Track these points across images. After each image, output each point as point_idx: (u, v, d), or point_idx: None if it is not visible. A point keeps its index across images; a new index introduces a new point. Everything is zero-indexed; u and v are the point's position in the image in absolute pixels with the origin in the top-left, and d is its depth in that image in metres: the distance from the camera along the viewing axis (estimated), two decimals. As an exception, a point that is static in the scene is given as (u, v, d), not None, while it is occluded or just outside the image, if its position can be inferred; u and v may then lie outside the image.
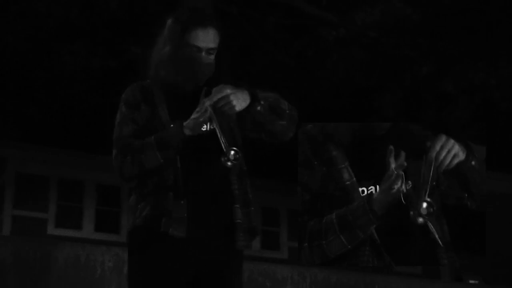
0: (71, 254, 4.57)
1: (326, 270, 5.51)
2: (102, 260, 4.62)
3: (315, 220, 2.08)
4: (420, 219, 1.90)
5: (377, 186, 2.06)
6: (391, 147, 1.97)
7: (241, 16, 11.32)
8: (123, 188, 15.12)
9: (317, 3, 11.36)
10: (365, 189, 2.09)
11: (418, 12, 10.56)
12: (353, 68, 11.38)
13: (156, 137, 2.36)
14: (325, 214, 2.05)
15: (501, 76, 10.84)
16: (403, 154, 1.99)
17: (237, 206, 2.47)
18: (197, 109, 2.34)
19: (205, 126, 2.36)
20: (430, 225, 1.97)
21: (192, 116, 2.34)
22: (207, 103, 2.32)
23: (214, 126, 2.35)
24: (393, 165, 1.96)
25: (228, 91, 2.32)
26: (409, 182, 2.03)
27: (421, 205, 1.90)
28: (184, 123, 2.34)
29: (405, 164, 1.96)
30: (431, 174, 1.96)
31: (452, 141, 2.10)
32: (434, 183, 2.00)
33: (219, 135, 2.32)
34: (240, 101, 2.34)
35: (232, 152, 2.29)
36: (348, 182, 2.03)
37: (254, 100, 2.39)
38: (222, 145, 2.31)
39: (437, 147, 2.04)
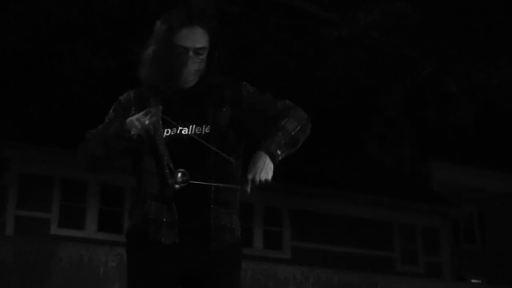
0: (74, 254, 4.58)
1: (329, 270, 5.51)
2: (105, 260, 4.64)
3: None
4: (177, 186, 2.35)
5: (178, 128, 2.44)
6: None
7: (241, 16, 11.32)
8: (126, 188, 15.14)
9: (319, 3, 11.36)
10: (169, 129, 2.44)
11: (419, 12, 10.55)
12: (354, 68, 11.38)
13: (100, 128, 2.53)
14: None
15: (501, 76, 10.84)
16: None
17: (217, 207, 2.46)
18: (143, 113, 2.38)
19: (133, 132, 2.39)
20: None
21: (135, 117, 2.39)
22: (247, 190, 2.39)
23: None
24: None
25: (257, 168, 2.38)
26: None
27: (177, 175, 2.34)
28: (127, 120, 2.39)
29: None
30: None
31: (260, 171, 2.38)
32: (227, 127, 2.48)
33: (164, 161, 2.39)
34: (269, 172, 2.43)
35: (179, 175, 2.36)
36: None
37: (275, 160, 2.44)
38: (167, 168, 2.38)
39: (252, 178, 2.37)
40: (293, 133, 2.47)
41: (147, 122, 2.35)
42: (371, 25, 10.67)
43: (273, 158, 2.40)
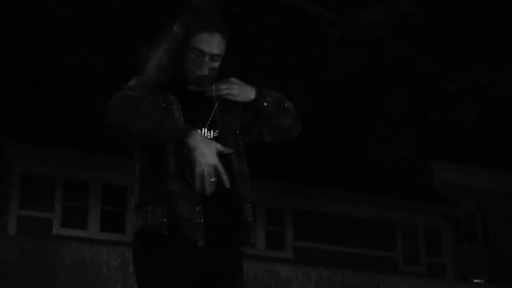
0: (76, 254, 4.59)
1: (331, 270, 5.51)
2: (108, 260, 4.64)
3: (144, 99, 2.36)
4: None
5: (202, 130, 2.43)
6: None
7: (243, 16, 11.32)
8: (129, 188, 15.15)
9: (320, 3, 11.36)
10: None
11: (421, 12, 10.55)
12: (355, 68, 11.38)
13: (164, 115, 2.33)
14: None
15: (501, 76, 10.84)
16: None
17: (248, 205, 2.51)
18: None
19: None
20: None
21: (205, 141, 2.31)
22: (213, 87, 2.38)
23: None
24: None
25: (234, 80, 2.39)
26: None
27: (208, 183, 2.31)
28: (194, 131, 2.31)
29: None
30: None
31: (234, 84, 2.40)
32: (238, 131, 2.51)
33: (187, 161, 2.34)
34: (243, 93, 2.40)
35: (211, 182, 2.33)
36: (180, 119, 2.41)
37: (260, 95, 2.43)
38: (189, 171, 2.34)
39: (219, 86, 2.40)
40: (284, 97, 2.55)
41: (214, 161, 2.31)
42: (372, 25, 10.67)
43: (259, 91, 2.45)
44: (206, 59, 2.45)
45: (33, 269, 4.45)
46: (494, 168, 21.76)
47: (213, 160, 2.28)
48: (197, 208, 2.36)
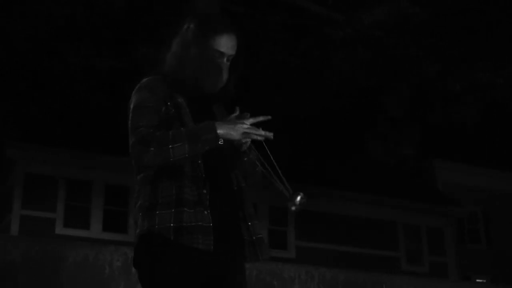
0: (79, 254, 4.59)
1: (334, 269, 5.51)
2: (111, 260, 4.64)
3: (161, 131, 2.35)
4: (293, 208, 2.39)
5: None
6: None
7: (244, 15, 11.31)
8: (131, 188, 15.16)
9: (322, 3, 11.35)
10: None
11: (424, 12, 10.54)
12: (357, 68, 11.37)
13: (187, 130, 2.33)
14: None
15: (502, 75, 10.83)
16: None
17: (256, 222, 2.53)
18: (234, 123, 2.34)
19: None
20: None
21: (229, 123, 2.34)
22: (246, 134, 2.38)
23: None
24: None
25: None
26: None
27: (297, 197, 2.42)
28: (216, 123, 2.33)
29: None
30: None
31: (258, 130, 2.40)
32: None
33: (200, 165, 2.37)
34: (231, 131, 2.40)
35: (299, 198, 2.39)
36: (190, 124, 2.40)
37: (249, 149, 2.48)
38: (284, 190, 2.41)
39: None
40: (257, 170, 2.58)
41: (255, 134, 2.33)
42: (374, 25, 10.66)
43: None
44: (225, 60, 2.49)
45: (36, 269, 4.46)
46: (497, 168, 21.75)
47: (241, 133, 2.34)
48: (206, 212, 2.35)
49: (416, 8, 10.37)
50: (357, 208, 18.02)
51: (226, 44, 2.47)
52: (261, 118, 2.38)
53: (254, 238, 2.50)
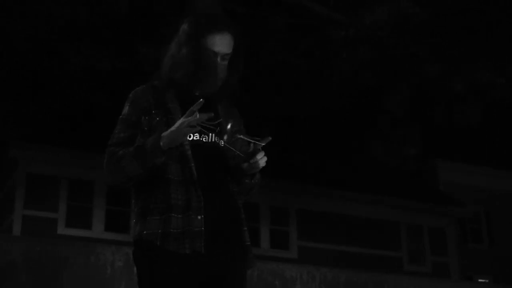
0: (81, 254, 4.60)
1: (336, 269, 5.51)
2: (112, 260, 4.65)
3: (123, 150, 2.39)
4: (222, 143, 2.38)
5: (200, 135, 2.45)
6: (201, 100, 2.30)
7: (247, 15, 11.32)
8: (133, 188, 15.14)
9: (325, 2, 11.34)
10: (191, 135, 2.41)
11: (424, 12, 10.54)
12: (360, 67, 11.36)
13: (136, 147, 2.35)
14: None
15: (505, 75, 10.82)
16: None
17: (245, 229, 2.51)
18: (181, 121, 2.31)
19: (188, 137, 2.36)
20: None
21: (172, 128, 2.31)
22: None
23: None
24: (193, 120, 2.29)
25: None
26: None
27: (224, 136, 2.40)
28: (163, 134, 2.31)
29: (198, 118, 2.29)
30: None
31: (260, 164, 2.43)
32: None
33: (192, 167, 2.38)
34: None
35: (229, 126, 2.39)
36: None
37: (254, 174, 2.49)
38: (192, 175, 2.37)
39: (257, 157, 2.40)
40: (255, 190, 2.58)
41: (196, 122, 2.30)
42: (377, 25, 10.65)
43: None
44: (219, 59, 2.47)
45: (37, 269, 4.47)
46: (499, 168, 21.73)
47: (183, 133, 2.32)
48: (199, 217, 2.35)
49: (416, 8, 10.37)
50: (359, 208, 18.02)
51: (219, 43, 2.45)
52: (197, 107, 2.31)
53: (245, 244, 2.50)
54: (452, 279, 18.35)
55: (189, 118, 2.28)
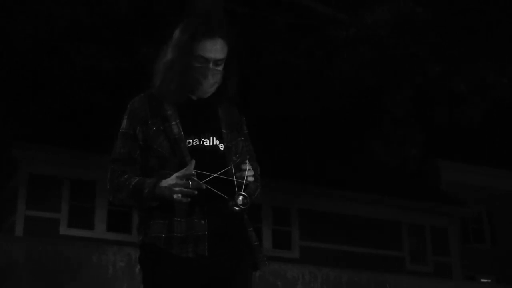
0: (83, 254, 4.60)
1: (338, 269, 5.51)
2: (114, 260, 4.65)
3: (125, 176, 2.44)
4: (237, 209, 2.32)
5: (200, 139, 2.45)
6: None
7: (248, 15, 11.31)
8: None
9: (326, 2, 11.33)
10: (191, 140, 2.43)
11: (426, 12, 10.52)
12: (361, 67, 11.35)
13: (135, 185, 2.39)
14: (149, 163, 2.47)
15: (505, 75, 10.81)
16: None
17: (251, 229, 2.51)
18: (179, 179, 2.31)
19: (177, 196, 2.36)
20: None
21: (170, 182, 2.32)
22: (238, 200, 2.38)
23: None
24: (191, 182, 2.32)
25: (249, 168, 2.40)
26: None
27: (238, 198, 2.32)
28: (160, 184, 2.34)
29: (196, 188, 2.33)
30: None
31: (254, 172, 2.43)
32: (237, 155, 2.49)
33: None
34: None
35: (241, 198, 2.34)
36: (177, 136, 2.42)
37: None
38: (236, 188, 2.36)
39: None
40: (255, 198, 2.55)
41: (185, 183, 2.31)
42: (378, 24, 10.64)
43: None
44: (211, 65, 2.46)
45: (40, 269, 4.47)
46: (501, 167, 21.70)
47: (172, 193, 2.33)
48: (203, 222, 2.36)
49: (418, 8, 10.36)
50: (360, 208, 18.01)
51: (210, 49, 2.44)
52: (190, 170, 2.32)
53: (253, 244, 2.50)
54: (454, 279, 18.33)
55: (184, 184, 2.30)
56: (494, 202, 21.61)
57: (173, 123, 2.43)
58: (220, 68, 2.48)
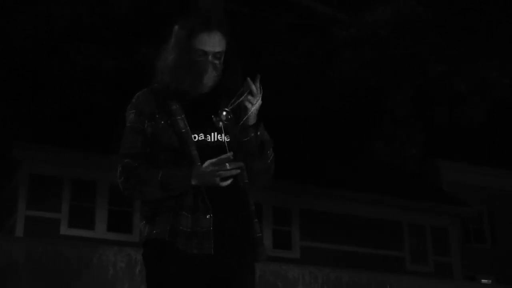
0: (83, 255, 4.60)
1: (338, 270, 5.50)
2: (114, 261, 4.64)
3: (142, 167, 2.44)
4: (220, 123, 2.36)
5: (205, 134, 2.46)
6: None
7: (249, 15, 11.31)
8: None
9: (327, 2, 11.33)
10: (196, 135, 2.45)
11: (427, 12, 10.52)
12: (362, 67, 11.35)
13: (163, 177, 2.38)
14: (159, 157, 2.46)
15: (507, 75, 10.80)
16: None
17: (256, 220, 2.52)
18: (212, 165, 2.34)
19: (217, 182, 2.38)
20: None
21: (203, 170, 2.35)
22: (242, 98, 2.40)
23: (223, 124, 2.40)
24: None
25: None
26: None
27: (222, 113, 2.36)
28: (193, 173, 2.36)
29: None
30: (240, 98, 2.40)
31: (259, 99, 2.43)
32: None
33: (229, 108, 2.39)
34: (257, 107, 2.43)
35: (224, 113, 2.36)
36: (183, 130, 2.44)
37: (257, 125, 2.46)
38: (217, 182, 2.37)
39: (253, 90, 2.39)
40: (268, 152, 2.53)
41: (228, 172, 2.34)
42: (378, 24, 10.64)
43: (258, 121, 2.48)
44: (210, 58, 2.48)
45: (40, 270, 4.46)
46: (502, 167, 21.70)
47: (214, 178, 2.36)
48: (208, 216, 2.38)
49: (419, 8, 10.36)
50: (361, 208, 18.00)
51: (208, 42, 2.47)
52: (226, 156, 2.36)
53: (255, 237, 2.51)
54: (455, 279, 18.32)
55: (221, 168, 2.33)
56: (495, 202, 21.60)
57: (179, 117, 2.46)
58: (219, 61, 2.50)
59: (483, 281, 19.82)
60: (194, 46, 2.47)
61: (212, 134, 2.47)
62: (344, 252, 17.61)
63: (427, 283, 6.19)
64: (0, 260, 4.37)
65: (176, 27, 2.54)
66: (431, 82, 11.77)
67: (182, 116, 2.46)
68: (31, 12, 10.51)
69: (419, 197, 19.01)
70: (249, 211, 2.50)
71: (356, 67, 11.31)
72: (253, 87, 2.40)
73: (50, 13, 10.38)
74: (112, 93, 11.96)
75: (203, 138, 2.45)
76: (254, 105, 2.41)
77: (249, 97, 2.40)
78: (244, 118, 2.43)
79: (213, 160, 2.34)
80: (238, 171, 2.35)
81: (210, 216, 2.37)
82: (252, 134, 2.46)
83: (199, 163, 2.39)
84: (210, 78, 2.49)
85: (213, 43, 2.48)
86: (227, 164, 2.32)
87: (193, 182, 2.36)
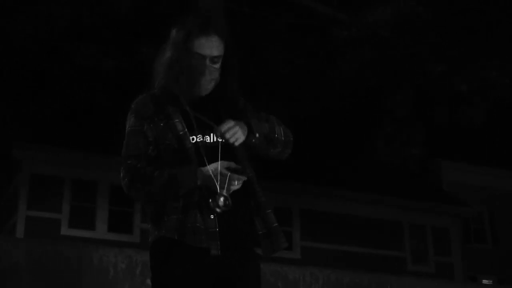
0: (84, 255, 4.59)
1: (339, 270, 5.49)
2: (115, 262, 4.64)
3: (147, 168, 2.45)
4: (218, 210, 2.32)
5: (203, 136, 2.47)
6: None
7: (250, 15, 11.31)
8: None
9: (328, 2, 11.33)
10: (194, 137, 2.46)
11: (427, 12, 10.52)
12: (363, 67, 11.35)
13: (169, 176, 2.39)
14: (161, 159, 2.49)
15: (508, 75, 10.80)
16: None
17: (270, 211, 2.55)
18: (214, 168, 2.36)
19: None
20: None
21: (209, 167, 2.37)
22: (217, 133, 2.39)
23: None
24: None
25: (231, 123, 2.38)
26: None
27: (219, 199, 2.32)
28: (198, 173, 2.37)
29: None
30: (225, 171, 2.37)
31: (235, 127, 2.39)
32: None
33: (216, 179, 2.36)
34: (244, 133, 2.41)
35: (222, 199, 2.34)
36: (181, 132, 2.46)
37: (249, 132, 2.45)
38: (217, 187, 2.35)
39: (223, 130, 2.37)
40: (274, 127, 2.54)
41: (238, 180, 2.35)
42: (379, 24, 10.64)
43: (249, 128, 2.45)
44: (207, 62, 2.48)
45: (40, 271, 4.46)
46: (503, 167, 21.70)
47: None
48: (212, 216, 2.39)
49: (419, 8, 10.36)
50: (362, 208, 18.00)
51: (206, 46, 2.47)
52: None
53: (269, 229, 2.52)
54: (456, 279, 18.32)
55: (218, 168, 2.34)
56: (495, 202, 21.60)
57: (176, 120, 2.47)
58: (217, 65, 2.50)
59: (484, 281, 19.81)
60: (193, 50, 2.46)
61: (211, 135, 2.47)
62: (344, 252, 17.61)
63: (428, 284, 6.18)
64: (0, 261, 4.36)
65: (174, 29, 2.54)
66: (431, 82, 11.76)
67: (180, 118, 2.47)
68: (31, 12, 10.50)
69: (419, 197, 19.01)
70: (252, 207, 2.50)
71: (356, 67, 11.31)
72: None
73: (50, 13, 10.38)
74: (112, 93, 11.97)
75: (201, 139, 2.46)
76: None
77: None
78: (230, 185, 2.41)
79: (225, 171, 2.35)
80: (240, 185, 2.35)
81: (215, 216, 2.39)
82: (253, 140, 2.46)
83: (205, 162, 2.39)
84: (207, 81, 2.49)
85: (211, 46, 2.47)
86: (235, 181, 2.34)
87: (199, 182, 2.37)
